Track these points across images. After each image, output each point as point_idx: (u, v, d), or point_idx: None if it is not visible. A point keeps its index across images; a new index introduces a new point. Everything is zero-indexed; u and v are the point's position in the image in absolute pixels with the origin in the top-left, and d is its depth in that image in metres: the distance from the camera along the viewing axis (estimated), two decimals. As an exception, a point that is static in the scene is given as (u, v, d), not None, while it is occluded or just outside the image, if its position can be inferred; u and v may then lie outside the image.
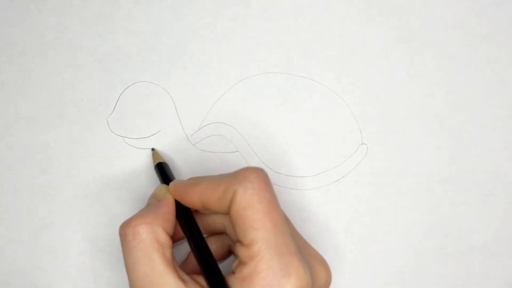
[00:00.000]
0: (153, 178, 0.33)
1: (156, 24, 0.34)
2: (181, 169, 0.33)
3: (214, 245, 0.28)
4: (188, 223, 0.26)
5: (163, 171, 0.30)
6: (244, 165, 0.33)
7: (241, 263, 0.23)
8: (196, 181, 0.26)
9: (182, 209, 0.27)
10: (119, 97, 0.34)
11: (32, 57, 0.34)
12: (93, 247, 0.32)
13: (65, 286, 0.32)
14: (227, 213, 0.25)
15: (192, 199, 0.26)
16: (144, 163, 0.33)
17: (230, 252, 0.29)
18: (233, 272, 0.24)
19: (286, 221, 0.25)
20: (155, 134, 0.33)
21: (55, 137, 0.33)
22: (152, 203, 0.27)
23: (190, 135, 0.33)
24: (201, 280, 0.25)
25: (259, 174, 0.24)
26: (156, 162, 0.31)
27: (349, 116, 0.34)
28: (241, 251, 0.23)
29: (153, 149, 0.32)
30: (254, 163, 0.33)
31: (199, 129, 0.33)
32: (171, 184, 0.28)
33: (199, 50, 0.34)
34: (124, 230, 0.24)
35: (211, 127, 0.33)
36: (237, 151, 0.33)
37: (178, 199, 0.27)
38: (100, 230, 0.32)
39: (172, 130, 0.33)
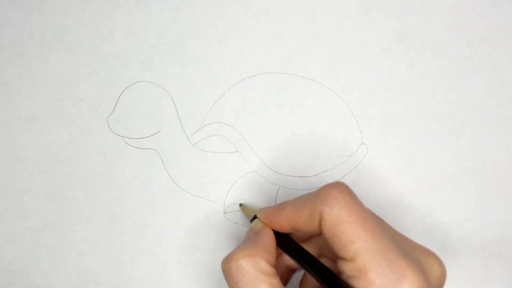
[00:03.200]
0: (153, 178, 0.33)
1: (156, 24, 0.34)
2: (181, 169, 0.33)
3: None
4: (293, 248, 0.26)
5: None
6: (244, 164, 0.33)
7: (350, 278, 0.23)
8: (282, 206, 0.26)
9: (281, 237, 0.27)
10: (119, 97, 0.34)
11: (32, 57, 0.34)
12: (93, 247, 0.32)
13: (65, 286, 0.32)
14: (318, 233, 0.25)
15: (282, 224, 0.26)
16: (144, 163, 0.33)
17: None
18: None
19: (382, 225, 0.25)
20: (155, 134, 0.33)
21: (55, 137, 0.33)
22: (251, 237, 0.27)
23: (190, 135, 0.33)
24: None
25: (341, 189, 0.24)
26: (251, 215, 0.30)
27: (349, 116, 0.34)
28: (346, 266, 0.23)
29: (241, 205, 0.32)
30: (254, 163, 0.33)
31: (199, 129, 0.33)
32: (260, 211, 0.28)
33: (199, 50, 0.34)
34: (228, 265, 0.24)
35: (211, 127, 0.33)
36: (237, 151, 0.33)
37: (269, 226, 0.27)
38: (100, 230, 0.32)
39: (172, 130, 0.33)
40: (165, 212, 0.33)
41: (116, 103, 0.33)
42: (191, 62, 0.34)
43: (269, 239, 0.26)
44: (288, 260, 0.28)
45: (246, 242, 0.26)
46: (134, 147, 0.33)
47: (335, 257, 0.24)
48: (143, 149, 0.33)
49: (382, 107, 0.34)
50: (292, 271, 0.28)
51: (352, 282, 0.23)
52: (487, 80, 0.34)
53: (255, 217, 0.29)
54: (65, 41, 0.34)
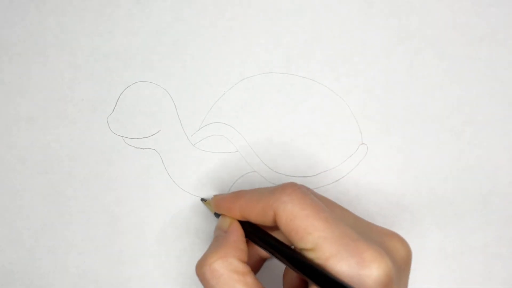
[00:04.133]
0: (153, 178, 0.33)
1: (156, 24, 0.34)
2: (181, 169, 0.33)
3: None
4: (261, 237, 0.26)
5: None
6: (244, 165, 0.33)
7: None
8: (237, 195, 0.27)
9: (250, 227, 0.27)
10: (119, 97, 0.34)
11: (32, 57, 0.34)
12: (93, 247, 0.32)
13: (65, 286, 0.32)
14: (271, 227, 0.26)
15: (234, 213, 0.27)
16: (144, 163, 0.33)
17: None
18: None
19: (340, 214, 0.26)
20: (155, 134, 0.33)
21: (55, 137, 0.33)
22: (219, 235, 0.27)
23: (190, 135, 0.33)
24: None
25: (294, 188, 0.25)
26: (211, 206, 0.31)
27: (349, 116, 0.34)
28: (309, 255, 0.24)
29: (204, 200, 0.32)
30: (254, 163, 0.33)
31: (199, 129, 0.33)
32: (212, 199, 0.29)
33: (199, 50, 0.34)
34: (201, 269, 0.25)
35: (211, 127, 0.33)
36: (237, 151, 0.33)
37: (219, 212, 0.28)
38: (100, 230, 0.32)
39: (172, 130, 0.33)
40: (165, 212, 0.33)
41: (116, 103, 0.33)
42: (191, 62, 0.34)
43: (238, 235, 0.27)
44: (258, 249, 0.28)
45: (216, 243, 0.26)
46: (134, 147, 0.33)
47: (297, 248, 0.25)
48: (143, 149, 0.33)
49: (382, 107, 0.34)
50: (263, 259, 0.29)
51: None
52: (487, 80, 0.34)
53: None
54: (65, 41, 0.34)
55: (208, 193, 0.33)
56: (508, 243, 0.33)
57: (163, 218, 0.33)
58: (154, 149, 0.33)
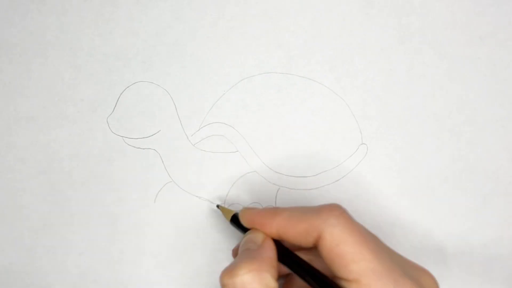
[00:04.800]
0: (153, 178, 0.33)
1: (156, 24, 0.34)
2: (181, 169, 0.33)
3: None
4: (298, 263, 0.25)
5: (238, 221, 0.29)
6: (244, 165, 0.33)
7: None
8: (275, 212, 0.26)
9: (281, 248, 0.26)
10: (119, 97, 0.34)
11: (32, 57, 0.34)
12: (93, 247, 0.32)
13: (65, 286, 0.32)
14: (307, 247, 0.25)
15: (269, 230, 0.26)
16: (144, 163, 0.33)
17: None
18: None
19: (381, 246, 0.25)
20: (155, 134, 0.33)
21: (55, 137, 0.33)
22: (251, 248, 0.25)
23: (190, 135, 0.33)
24: None
25: (341, 210, 0.24)
26: (230, 215, 0.29)
27: (349, 116, 0.34)
28: (349, 286, 0.23)
29: (218, 206, 0.32)
30: (254, 163, 0.33)
31: (199, 129, 0.33)
32: (242, 212, 0.27)
33: (199, 50, 0.34)
34: (230, 280, 0.23)
35: (211, 127, 0.33)
36: (237, 151, 0.33)
37: (250, 226, 0.27)
38: (100, 230, 0.32)
39: (172, 130, 0.33)
40: (165, 212, 0.33)
41: (116, 103, 0.33)
42: (191, 62, 0.34)
43: (273, 252, 0.25)
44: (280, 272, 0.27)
45: (248, 255, 0.24)
46: (134, 147, 0.33)
47: (333, 276, 0.24)
48: (143, 149, 0.33)
49: (382, 107, 0.34)
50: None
51: None
52: (487, 80, 0.34)
53: (233, 217, 0.28)
54: (65, 41, 0.34)
55: (208, 193, 0.33)
56: (508, 243, 0.33)
57: (163, 218, 0.33)
58: (154, 149, 0.33)
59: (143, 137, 0.33)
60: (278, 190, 0.33)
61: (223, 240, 0.33)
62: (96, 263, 0.32)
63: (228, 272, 0.23)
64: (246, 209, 0.27)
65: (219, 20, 0.34)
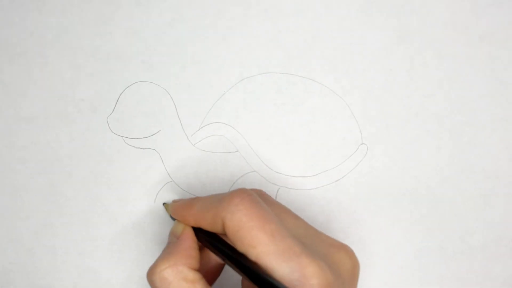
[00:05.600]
0: (153, 178, 0.33)
1: (156, 24, 0.34)
2: (181, 169, 0.33)
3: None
4: (216, 247, 0.26)
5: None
6: (244, 165, 0.33)
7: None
8: (191, 203, 0.27)
9: (203, 232, 0.27)
10: (119, 97, 0.34)
11: (32, 57, 0.34)
12: (93, 247, 0.32)
13: (65, 286, 0.32)
14: (224, 234, 0.25)
15: (188, 220, 0.27)
16: (144, 163, 0.33)
17: None
18: None
19: (290, 222, 0.26)
20: (155, 134, 0.33)
21: (55, 137, 0.33)
22: (172, 241, 0.27)
23: (190, 135, 0.33)
24: None
25: (243, 196, 0.25)
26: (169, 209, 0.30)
27: (349, 116, 0.34)
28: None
29: (164, 204, 0.32)
30: (254, 163, 0.33)
31: (199, 129, 0.33)
32: (170, 205, 0.29)
33: (199, 50, 0.34)
34: (151, 277, 0.25)
35: (211, 127, 0.33)
36: (237, 151, 0.33)
37: (178, 219, 0.28)
38: (100, 230, 0.32)
39: (172, 130, 0.33)
40: (165, 212, 0.33)
41: (116, 103, 0.33)
42: (191, 62, 0.34)
43: (190, 242, 0.26)
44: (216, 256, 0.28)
45: (167, 250, 0.26)
46: (134, 147, 0.33)
47: None
48: (143, 149, 0.33)
49: (382, 107, 0.34)
50: (222, 265, 0.29)
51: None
52: (487, 80, 0.34)
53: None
54: (65, 41, 0.34)
55: (208, 193, 0.33)
56: (508, 243, 0.33)
57: (163, 218, 0.33)
58: (154, 149, 0.33)
59: (143, 137, 0.33)
60: (278, 190, 0.33)
61: (223, 240, 0.33)
62: (96, 263, 0.32)
63: (150, 270, 0.25)
64: (174, 201, 0.29)
65: (219, 20, 0.34)
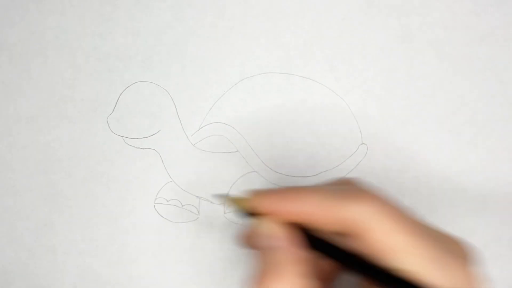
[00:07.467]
0: (153, 178, 0.33)
1: (156, 24, 0.34)
2: (181, 169, 0.33)
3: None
4: (333, 249, 0.22)
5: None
6: (244, 165, 0.33)
7: None
8: (291, 194, 0.22)
9: (306, 233, 0.22)
10: (119, 97, 0.34)
11: (32, 57, 0.34)
12: (93, 247, 0.32)
13: (65, 286, 0.32)
14: (335, 233, 0.22)
15: (288, 216, 0.22)
16: (144, 163, 0.33)
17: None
18: None
19: (419, 224, 0.23)
20: (155, 134, 0.33)
21: (55, 137, 0.33)
22: (271, 247, 0.21)
23: (190, 135, 0.33)
24: None
25: (374, 196, 0.22)
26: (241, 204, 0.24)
27: (349, 116, 0.34)
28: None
29: (218, 196, 0.29)
30: (254, 163, 0.33)
31: (199, 129, 0.33)
32: (254, 197, 0.23)
33: (199, 50, 0.34)
34: None
35: (211, 127, 0.33)
36: (237, 151, 0.33)
37: (271, 214, 0.22)
38: (100, 230, 0.32)
39: (172, 130, 0.33)
40: (165, 212, 0.33)
41: (116, 103, 0.33)
42: (191, 62, 0.34)
43: (299, 249, 0.21)
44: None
45: (271, 260, 0.21)
46: (134, 147, 0.33)
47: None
48: (143, 149, 0.33)
49: (382, 107, 0.34)
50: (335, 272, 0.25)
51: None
52: (487, 80, 0.34)
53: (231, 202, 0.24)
54: (65, 41, 0.34)
55: (208, 193, 0.33)
56: (508, 243, 0.33)
57: (163, 218, 0.33)
58: (154, 149, 0.33)
59: (143, 137, 0.33)
60: (278, 190, 0.33)
61: (223, 240, 0.33)
62: (96, 263, 0.32)
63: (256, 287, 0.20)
64: (256, 191, 0.23)
65: (219, 20, 0.34)
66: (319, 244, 0.22)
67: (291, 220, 0.22)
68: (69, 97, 0.34)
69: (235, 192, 0.32)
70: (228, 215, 0.33)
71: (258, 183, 0.33)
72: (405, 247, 0.21)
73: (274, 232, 0.22)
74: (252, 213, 0.23)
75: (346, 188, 0.22)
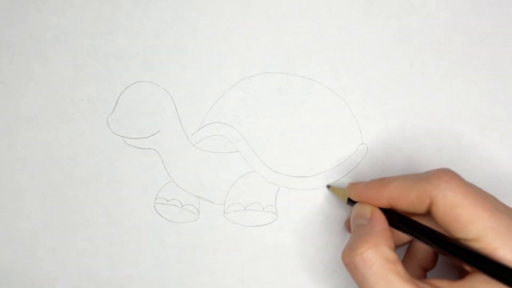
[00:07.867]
0: (153, 178, 0.33)
1: (156, 24, 0.34)
2: (181, 169, 0.33)
3: (422, 252, 0.29)
4: (419, 228, 0.26)
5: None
6: (244, 165, 0.33)
7: None
8: (383, 183, 0.27)
9: (394, 215, 0.27)
10: (119, 97, 0.34)
11: (32, 57, 0.34)
12: (93, 247, 0.32)
13: (65, 286, 0.32)
14: (421, 214, 0.25)
15: (380, 201, 0.27)
16: (144, 163, 0.33)
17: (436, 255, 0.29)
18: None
19: (497, 203, 0.25)
20: (155, 134, 0.33)
21: (55, 137, 0.33)
22: (362, 224, 0.27)
23: (190, 135, 0.33)
24: (438, 283, 0.24)
25: (452, 175, 0.24)
26: (344, 195, 0.30)
27: (349, 116, 0.34)
28: (470, 246, 0.23)
29: (329, 186, 0.32)
30: (254, 163, 0.33)
31: (199, 129, 0.33)
32: (350, 188, 0.29)
33: (199, 50, 0.34)
34: (352, 259, 0.24)
35: (211, 127, 0.33)
36: (237, 151, 0.33)
37: (365, 201, 0.28)
38: (100, 230, 0.32)
39: (172, 130, 0.33)
40: (165, 212, 0.33)
41: (116, 103, 0.33)
42: (191, 62, 0.34)
43: (384, 223, 0.26)
44: (397, 237, 0.28)
45: (363, 231, 0.26)
46: (134, 147, 0.33)
47: (451, 236, 0.25)
48: (143, 149, 0.33)
49: (382, 107, 0.34)
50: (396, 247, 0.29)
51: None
52: (487, 80, 0.34)
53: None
54: (65, 41, 0.34)
55: (208, 193, 0.33)
56: (508, 243, 0.33)
57: (163, 218, 0.33)
58: (154, 149, 0.33)
59: (143, 137, 0.33)
60: (278, 190, 0.33)
61: (223, 240, 0.33)
62: (96, 263, 0.32)
63: (348, 252, 0.25)
64: (353, 185, 0.29)
65: (219, 20, 0.34)
66: (398, 221, 0.26)
67: (380, 204, 0.27)
68: (69, 97, 0.34)
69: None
70: (228, 215, 0.33)
71: (258, 183, 0.33)
72: (469, 218, 0.23)
73: (367, 213, 0.27)
74: (352, 201, 0.29)
75: (425, 174, 0.25)
